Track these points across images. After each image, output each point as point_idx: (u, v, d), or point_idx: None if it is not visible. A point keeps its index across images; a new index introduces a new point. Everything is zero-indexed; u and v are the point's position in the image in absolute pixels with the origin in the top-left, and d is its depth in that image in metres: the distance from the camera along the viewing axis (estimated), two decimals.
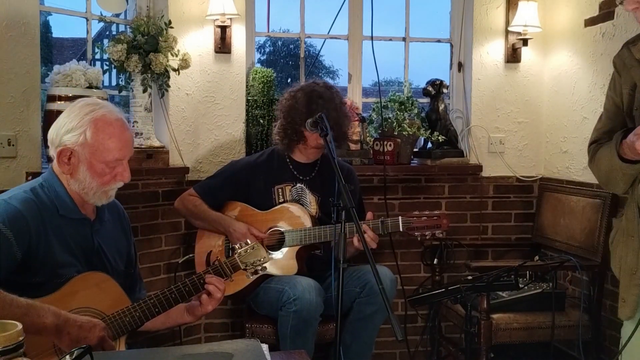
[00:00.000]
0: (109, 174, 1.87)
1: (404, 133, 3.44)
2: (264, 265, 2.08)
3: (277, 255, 2.75)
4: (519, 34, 3.54)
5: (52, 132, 1.89)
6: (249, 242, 2.10)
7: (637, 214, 1.86)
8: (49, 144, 1.91)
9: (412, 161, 3.62)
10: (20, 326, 1.19)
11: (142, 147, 3.07)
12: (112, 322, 1.82)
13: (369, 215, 2.67)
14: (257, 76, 3.40)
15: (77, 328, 1.65)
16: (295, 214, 2.78)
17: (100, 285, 1.86)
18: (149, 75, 3.03)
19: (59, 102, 2.67)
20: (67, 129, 1.85)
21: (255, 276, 2.12)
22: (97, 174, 1.86)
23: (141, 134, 3.08)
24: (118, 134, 1.87)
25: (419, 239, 2.74)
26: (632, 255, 1.87)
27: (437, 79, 3.55)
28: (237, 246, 2.10)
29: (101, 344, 1.69)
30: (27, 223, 1.76)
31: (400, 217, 2.66)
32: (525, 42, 3.55)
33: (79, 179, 1.86)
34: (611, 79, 1.96)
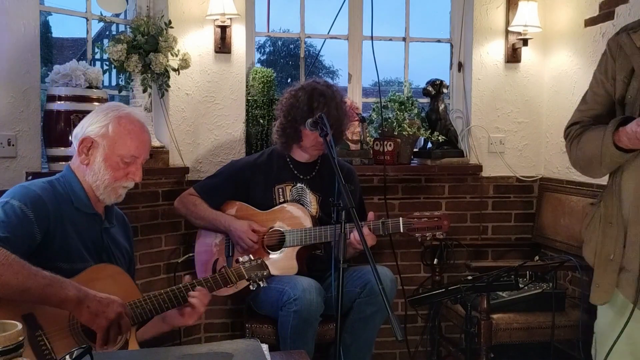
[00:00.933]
0: (122, 170, 1.95)
1: (404, 133, 3.44)
2: (266, 279, 2.15)
3: (278, 255, 2.75)
4: (519, 34, 3.54)
5: (77, 127, 1.99)
6: (252, 257, 2.16)
7: (617, 201, 1.83)
8: (72, 139, 2.00)
9: (412, 161, 3.62)
10: (20, 326, 1.19)
11: None
12: None
13: (370, 215, 2.67)
14: (257, 76, 3.40)
15: (96, 302, 1.72)
16: (296, 213, 2.78)
17: (114, 277, 1.92)
18: (149, 75, 3.03)
19: (59, 102, 2.67)
20: (91, 122, 1.96)
21: (256, 286, 2.16)
22: (112, 167, 1.94)
23: None
24: (138, 132, 1.97)
25: (419, 239, 2.74)
26: (609, 242, 1.86)
27: (437, 79, 3.54)
28: (241, 259, 2.15)
29: (118, 319, 1.75)
30: (47, 208, 1.83)
31: (400, 218, 2.66)
32: (525, 42, 3.55)
33: (94, 170, 1.94)
34: (602, 62, 1.88)
